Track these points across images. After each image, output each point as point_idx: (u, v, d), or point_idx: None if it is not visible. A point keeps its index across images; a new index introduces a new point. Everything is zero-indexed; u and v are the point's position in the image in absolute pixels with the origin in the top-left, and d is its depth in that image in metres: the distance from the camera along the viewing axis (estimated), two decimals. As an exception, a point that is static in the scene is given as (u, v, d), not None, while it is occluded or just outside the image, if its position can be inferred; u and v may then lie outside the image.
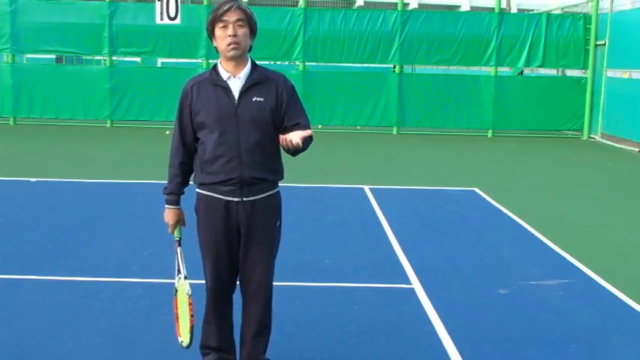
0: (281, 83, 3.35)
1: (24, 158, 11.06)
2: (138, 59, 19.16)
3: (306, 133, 3.18)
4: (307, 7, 15.37)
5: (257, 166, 3.29)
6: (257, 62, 3.39)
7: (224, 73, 3.29)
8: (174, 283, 3.47)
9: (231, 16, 3.21)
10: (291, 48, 15.25)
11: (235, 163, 3.26)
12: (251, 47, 3.33)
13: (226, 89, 3.28)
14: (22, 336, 4.13)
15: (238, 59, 3.27)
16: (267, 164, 3.34)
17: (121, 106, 15.35)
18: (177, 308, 3.43)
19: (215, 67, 3.34)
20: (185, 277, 3.37)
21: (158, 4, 14.90)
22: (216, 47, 3.29)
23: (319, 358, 3.96)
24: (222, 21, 3.22)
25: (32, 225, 6.74)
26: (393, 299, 4.96)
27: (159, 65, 20.57)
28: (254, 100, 3.27)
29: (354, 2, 41.13)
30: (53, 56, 20.91)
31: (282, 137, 3.18)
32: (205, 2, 15.21)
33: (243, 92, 3.27)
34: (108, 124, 15.47)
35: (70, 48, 15.45)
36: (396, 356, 4.02)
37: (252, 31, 3.29)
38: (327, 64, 16.60)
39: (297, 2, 17.70)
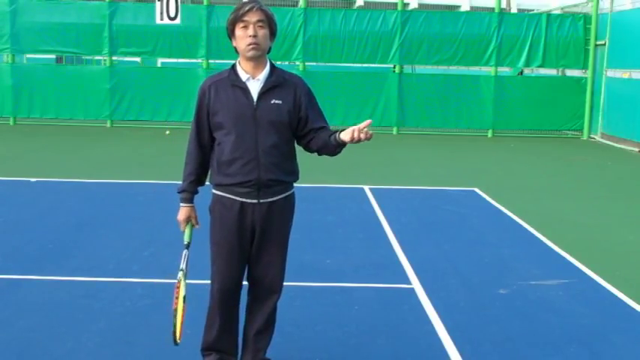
0: (299, 86, 3.37)
1: (24, 158, 11.06)
2: (138, 59, 19.16)
3: (368, 121, 3.18)
4: (307, 7, 15.37)
5: (274, 168, 3.30)
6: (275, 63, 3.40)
7: (243, 74, 3.29)
8: (177, 276, 3.35)
9: (252, 17, 3.21)
10: (291, 48, 15.26)
11: (253, 165, 3.26)
12: (270, 48, 3.33)
13: (245, 90, 3.27)
14: (22, 336, 4.13)
15: (257, 60, 3.28)
16: (284, 166, 3.35)
17: (121, 106, 15.35)
18: (178, 298, 3.29)
19: (233, 67, 3.34)
20: (180, 270, 3.30)
21: (158, 4, 14.90)
22: (235, 47, 3.30)
23: (319, 358, 3.96)
24: (242, 21, 3.21)
25: (32, 225, 6.74)
26: (393, 299, 4.96)
27: (159, 65, 20.58)
28: (272, 102, 3.28)
29: (354, 2, 41.13)
30: (53, 56, 20.92)
31: (352, 129, 3.14)
32: (205, 2, 15.21)
33: (262, 94, 3.28)
34: (108, 124, 15.47)
35: (70, 48, 15.45)
36: (396, 356, 4.02)
37: (273, 32, 3.30)
38: (327, 64, 16.61)
39: (297, 2, 17.70)
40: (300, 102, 3.34)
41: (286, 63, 17.47)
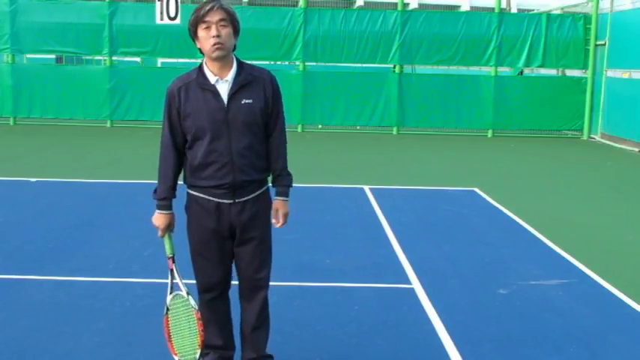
0: (267, 82, 3.33)
1: (24, 158, 11.06)
2: (138, 59, 19.16)
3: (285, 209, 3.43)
4: (307, 7, 15.36)
5: (248, 168, 3.28)
6: (244, 60, 3.36)
7: (211, 77, 3.24)
8: (165, 302, 3.42)
9: (214, 17, 3.16)
10: (291, 48, 15.24)
11: (227, 169, 3.24)
12: (235, 46, 3.29)
13: (215, 93, 3.23)
14: (22, 336, 4.13)
15: (224, 60, 3.23)
16: (257, 165, 3.34)
17: (121, 106, 15.35)
18: (167, 327, 3.37)
19: (200, 67, 3.28)
20: (188, 294, 3.30)
21: (158, 4, 14.89)
22: (199, 48, 3.25)
23: (319, 358, 3.96)
24: (204, 22, 3.17)
25: (32, 225, 6.74)
26: (393, 299, 4.96)
27: (159, 65, 20.56)
28: (243, 102, 3.24)
29: (354, 2, 41.12)
30: (53, 56, 20.90)
31: (275, 211, 3.41)
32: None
33: (232, 95, 3.24)
34: (108, 124, 15.47)
35: (70, 48, 15.45)
36: (396, 356, 4.02)
37: (236, 30, 3.25)
38: (327, 64, 16.60)
39: (297, 2, 17.70)
40: (269, 101, 3.32)
41: (286, 63, 17.48)
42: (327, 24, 15.29)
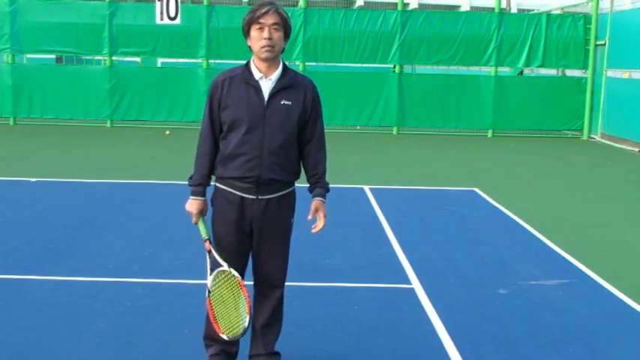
0: (309, 89, 3.44)
1: (24, 158, 11.05)
2: (138, 59, 19.17)
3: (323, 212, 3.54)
4: (307, 7, 15.37)
5: (276, 168, 3.36)
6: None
7: (256, 73, 3.35)
8: (206, 284, 3.43)
9: (268, 20, 3.26)
10: (291, 48, 15.22)
11: (255, 163, 3.32)
12: (284, 49, 3.38)
13: (257, 89, 3.33)
14: (22, 336, 4.13)
15: (271, 61, 3.33)
16: (286, 167, 3.42)
17: (121, 106, 15.35)
18: (212, 310, 3.39)
19: (248, 64, 3.39)
20: (229, 267, 3.33)
21: (158, 4, 14.89)
22: (250, 47, 3.35)
23: (319, 358, 3.96)
24: (258, 23, 3.27)
25: (32, 225, 6.74)
26: (393, 299, 4.97)
27: (159, 65, 20.58)
28: (282, 103, 3.34)
29: (354, 2, 41.13)
30: (53, 56, 20.91)
31: (314, 210, 3.52)
32: (205, 2, 15.21)
33: (273, 94, 3.34)
34: (108, 124, 15.47)
35: (70, 48, 15.45)
36: (396, 356, 4.02)
37: (287, 34, 3.36)
38: (327, 64, 16.61)
39: (297, 2, 17.70)
40: (308, 107, 3.42)
41: (286, 63, 17.46)
42: (327, 24, 15.29)
